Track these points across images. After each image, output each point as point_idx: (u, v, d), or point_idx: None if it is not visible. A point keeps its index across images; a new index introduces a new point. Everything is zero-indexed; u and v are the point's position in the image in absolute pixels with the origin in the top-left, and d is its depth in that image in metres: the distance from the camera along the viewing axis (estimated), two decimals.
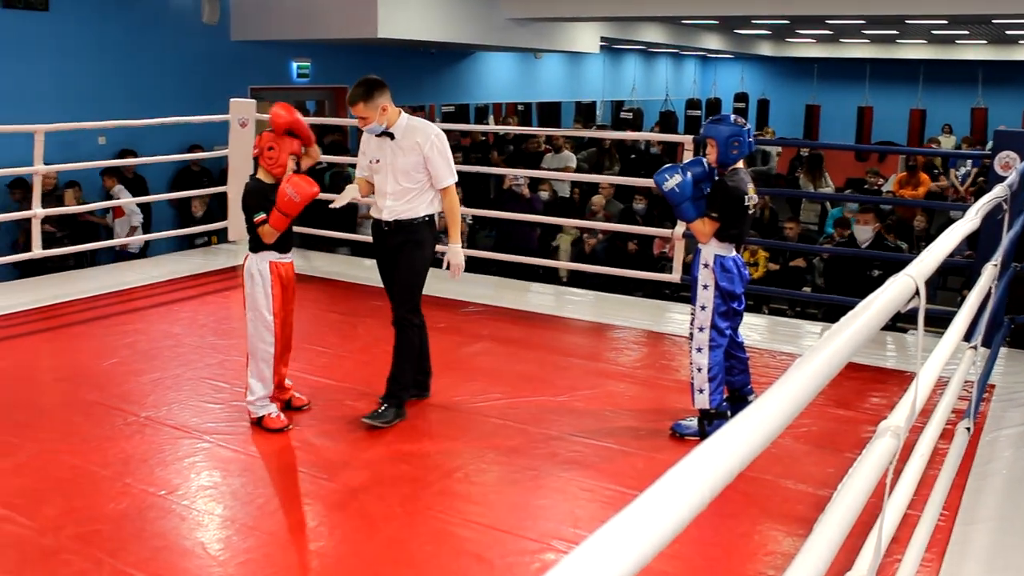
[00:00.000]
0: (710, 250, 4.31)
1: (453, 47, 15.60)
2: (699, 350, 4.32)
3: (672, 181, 4.26)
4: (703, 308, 4.32)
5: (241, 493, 3.81)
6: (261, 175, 4.42)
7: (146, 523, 3.54)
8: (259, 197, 4.36)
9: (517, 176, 9.56)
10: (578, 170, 12.17)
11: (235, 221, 8.14)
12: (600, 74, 21.51)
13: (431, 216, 4.56)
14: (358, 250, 9.17)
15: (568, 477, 4.00)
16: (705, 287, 4.31)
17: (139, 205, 9.36)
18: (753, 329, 6.46)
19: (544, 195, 10.73)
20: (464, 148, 12.61)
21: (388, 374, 4.59)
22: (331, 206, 4.60)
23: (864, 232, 7.48)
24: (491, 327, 6.25)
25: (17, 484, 3.81)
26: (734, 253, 4.34)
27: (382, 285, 4.76)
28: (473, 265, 9.77)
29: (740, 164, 4.32)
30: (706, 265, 4.31)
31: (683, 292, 9.89)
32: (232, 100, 8.20)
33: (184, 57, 11.23)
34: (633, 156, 13.18)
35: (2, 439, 4.24)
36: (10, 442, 4.20)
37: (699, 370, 4.32)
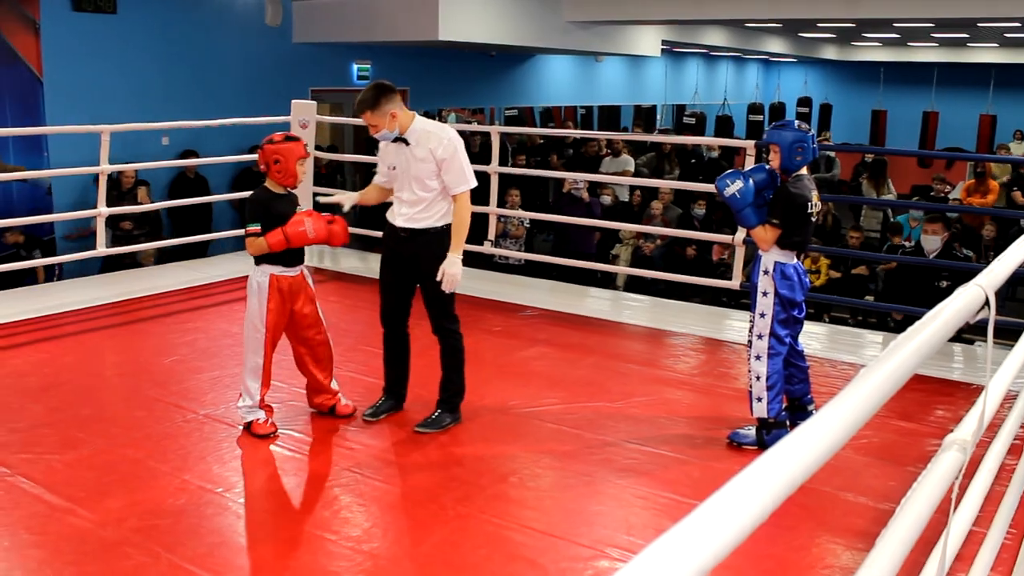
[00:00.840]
0: (771, 257, 4.27)
1: (513, 50, 15.64)
2: (758, 358, 4.28)
3: (733, 187, 4.22)
4: (762, 315, 4.27)
5: (296, 493, 3.85)
6: (269, 185, 4.37)
7: (203, 519, 3.59)
8: (261, 207, 4.30)
9: (576, 180, 9.54)
10: (637, 175, 12.13)
11: None
12: (661, 77, 21.41)
13: (449, 225, 4.40)
14: None
15: (623, 484, 3.98)
16: (765, 294, 4.26)
17: (200, 205, 9.52)
18: (813, 338, 6.38)
19: (606, 199, 10.71)
20: (525, 150, 12.64)
21: (440, 382, 4.60)
22: (328, 200, 4.82)
23: (932, 242, 7.34)
24: (547, 331, 6.25)
25: (80, 477, 3.90)
26: (795, 260, 4.29)
27: (392, 295, 4.61)
28: (531, 269, 9.82)
29: (804, 170, 4.28)
30: (766, 272, 4.27)
31: (742, 299, 9.82)
32: (294, 101, 8.30)
33: (246, 59, 11.40)
34: (693, 161, 13.10)
35: (67, 433, 4.33)
36: (75, 436, 4.29)
37: (757, 378, 4.28)
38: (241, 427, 4.41)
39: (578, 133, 10.41)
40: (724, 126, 19.08)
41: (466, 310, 6.60)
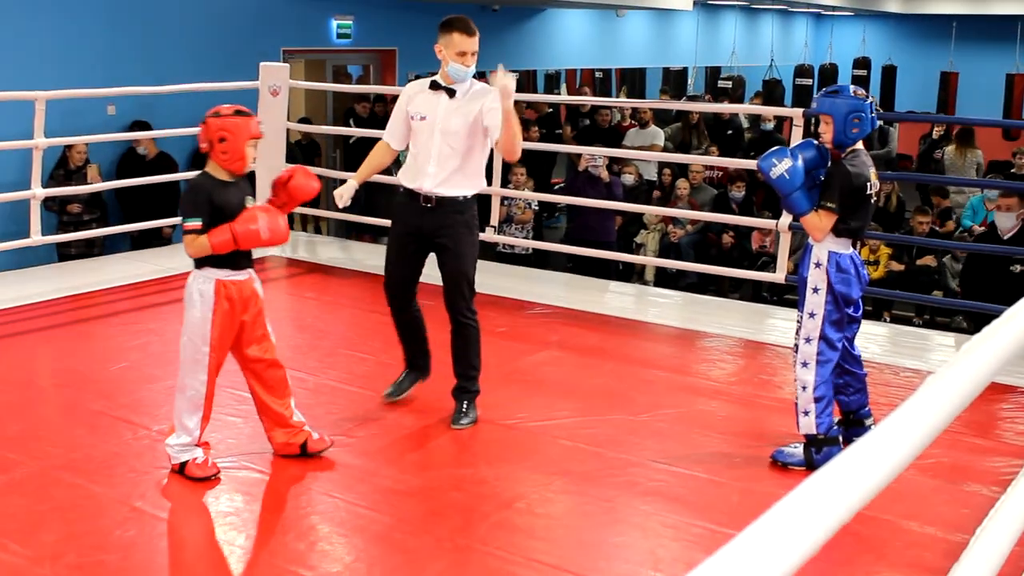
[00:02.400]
0: (824, 247, 4.26)
1: (519, 3, 15.62)
2: (805, 365, 4.27)
3: (781, 166, 4.21)
4: (812, 315, 4.26)
5: (267, 521, 3.86)
6: (211, 169, 4.15)
7: (156, 553, 3.60)
8: (200, 197, 4.05)
9: (594, 156, 9.54)
10: (666, 149, 12.11)
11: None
12: (693, 36, 21.37)
13: (475, 195, 4.69)
14: None
15: (649, 511, 3.98)
16: (816, 290, 4.25)
17: (154, 187, 9.51)
18: (871, 340, 6.37)
19: (628, 179, 10.69)
20: (528, 122, 12.62)
21: (456, 371, 4.80)
22: (340, 204, 4.87)
23: (1007, 220, 7.34)
24: (560, 332, 6.25)
25: (10, 506, 3.90)
26: (852, 250, 4.28)
27: (404, 274, 4.81)
28: (539, 259, 9.83)
29: (860, 145, 4.27)
30: (818, 265, 4.25)
31: (788, 295, 9.81)
32: (262, 64, 8.29)
33: (207, 13, 11.39)
34: (730, 132, 13.06)
35: None
36: (4, 457, 4.30)
37: (804, 388, 4.27)
38: (170, 469, 4.16)
39: (597, 100, 10.41)
40: (772, 92, 19.05)
41: None
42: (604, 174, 9.73)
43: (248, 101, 8.62)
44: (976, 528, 1.70)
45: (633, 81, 19.72)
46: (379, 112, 11.82)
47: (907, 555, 3.72)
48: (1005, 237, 7.65)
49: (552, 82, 17.87)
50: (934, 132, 13.98)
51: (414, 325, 4.95)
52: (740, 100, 18.01)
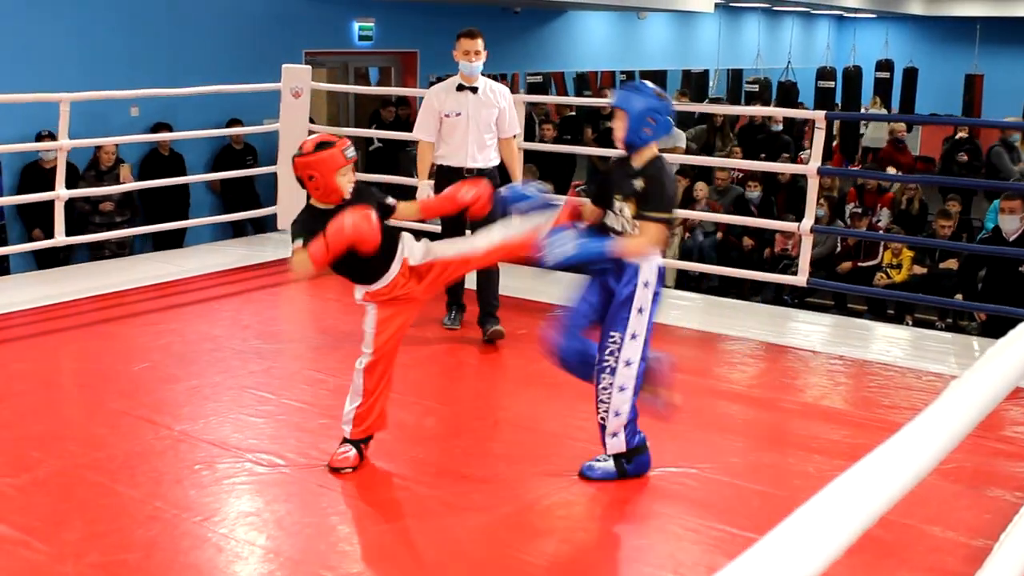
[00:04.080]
0: (652, 264, 4.04)
1: (541, 5, 15.61)
2: (622, 389, 4.05)
3: (570, 241, 3.96)
4: (634, 337, 4.03)
5: (287, 522, 3.86)
6: (315, 202, 4.13)
7: (178, 553, 3.61)
8: (307, 225, 4.05)
9: None
10: (689, 150, 12.09)
11: (285, 207, 8.27)
12: (715, 38, 21.32)
13: (497, 165, 6.02)
14: None
15: (669, 514, 3.97)
16: (640, 311, 4.03)
17: (175, 188, 9.56)
18: (894, 343, 6.35)
19: None
20: (552, 124, 12.61)
21: (482, 305, 6.04)
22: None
23: (1012, 222, 7.30)
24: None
25: (35, 504, 3.92)
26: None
27: (453, 232, 5.53)
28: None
29: (655, 149, 4.08)
30: (647, 284, 4.03)
31: (808, 297, 9.79)
32: (284, 66, 8.32)
33: (230, 15, 11.43)
34: (761, 136, 13.00)
35: (20, 452, 4.36)
36: (29, 456, 4.32)
37: (617, 414, 4.07)
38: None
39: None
40: (787, 95, 18.99)
41: None
42: None
43: (270, 103, 8.68)
44: (999, 533, 1.69)
45: (655, 83, 19.66)
46: (403, 116, 11.83)
47: (929, 560, 3.70)
48: (1010, 239, 7.63)
49: (582, 83, 17.85)
50: (957, 134, 13.92)
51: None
52: (767, 103, 17.95)
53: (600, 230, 4.12)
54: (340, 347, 5.95)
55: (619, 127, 4.04)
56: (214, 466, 4.27)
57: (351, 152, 4.02)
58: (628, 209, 4.02)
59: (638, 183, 4.01)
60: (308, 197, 4.12)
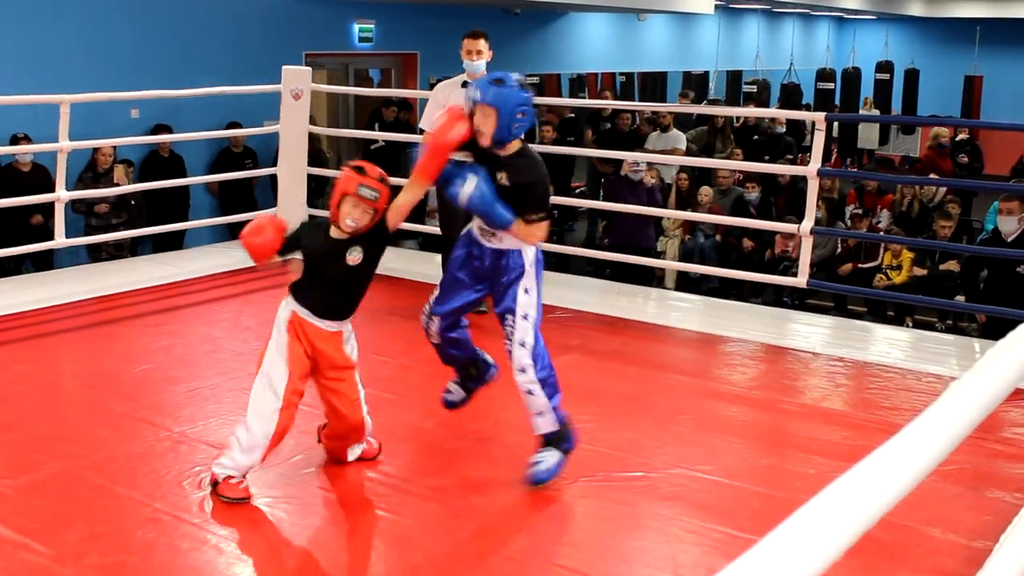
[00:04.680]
0: (531, 248, 4.11)
1: (541, 6, 15.60)
2: (523, 371, 4.05)
3: (469, 186, 3.94)
4: (525, 317, 4.06)
5: (287, 524, 3.86)
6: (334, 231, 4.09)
7: (177, 555, 3.61)
8: (299, 243, 4.21)
9: (637, 161, 9.56)
10: (690, 152, 12.10)
11: (285, 209, 8.27)
12: (714, 40, 21.33)
13: None
14: (427, 244, 9.25)
15: (669, 515, 3.97)
16: (527, 291, 4.07)
17: (175, 190, 9.56)
18: (894, 345, 6.36)
19: (650, 182, 10.73)
20: (552, 125, 12.61)
21: None
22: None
23: (1010, 223, 7.31)
24: (581, 336, 6.24)
25: (35, 506, 3.92)
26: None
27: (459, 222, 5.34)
28: (560, 263, 9.83)
29: (519, 143, 4.07)
30: (531, 265, 4.09)
31: (808, 299, 9.79)
32: (285, 68, 8.32)
33: (230, 17, 11.44)
34: (756, 137, 13.01)
35: (21, 454, 4.36)
36: (29, 457, 4.32)
37: (531, 393, 4.06)
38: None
39: (620, 104, 10.42)
40: (791, 96, 19.01)
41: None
42: (647, 179, 9.74)
43: (270, 104, 8.68)
44: (999, 535, 1.69)
45: (654, 85, 19.68)
46: (403, 118, 11.83)
47: (929, 562, 3.70)
48: (1008, 240, 7.64)
49: (576, 86, 17.85)
50: (957, 136, 13.94)
51: None
52: (765, 104, 17.96)
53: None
54: None
55: (487, 124, 3.93)
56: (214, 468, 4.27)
57: (368, 191, 3.88)
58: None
59: (502, 177, 4.00)
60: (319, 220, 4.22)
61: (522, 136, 4.06)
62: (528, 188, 4.00)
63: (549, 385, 4.09)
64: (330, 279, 4.03)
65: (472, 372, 4.53)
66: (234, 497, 3.93)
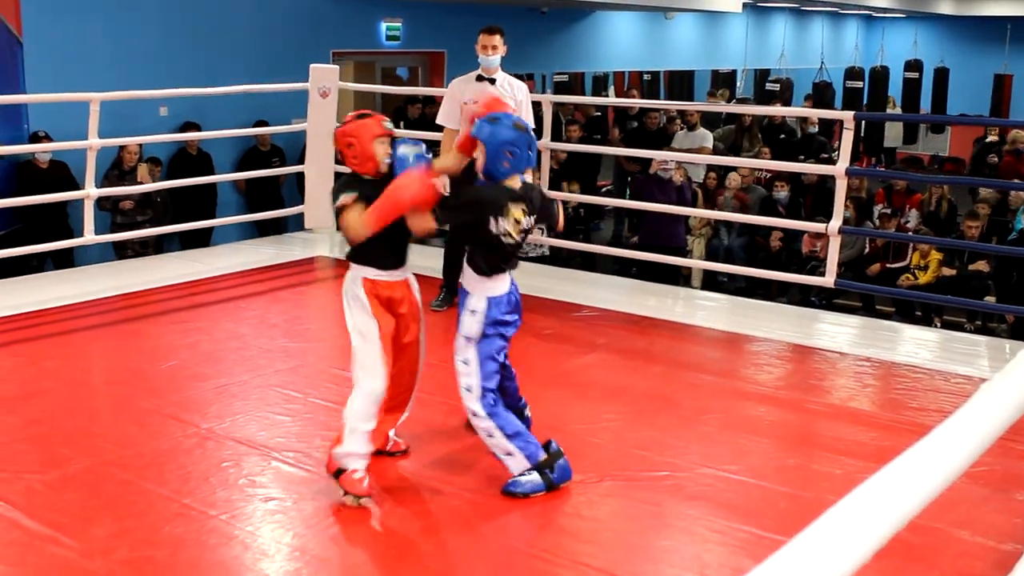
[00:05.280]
0: (482, 294, 4.07)
1: (568, 5, 15.59)
2: (475, 415, 4.07)
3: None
4: (466, 363, 4.09)
5: (313, 520, 3.88)
6: (356, 172, 4.14)
7: (205, 550, 3.63)
8: (352, 187, 4.04)
9: (667, 160, 9.55)
10: (716, 151, 12.06)
11: (312, 207, 8.30)
12: (742, 38, 21.26)
13: None
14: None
15: (695, 515, 3.96)
16: (467, 340, 4.07)
17: (202, 187, 9.61)
18: (922, 345, 6.32)
19: (680, 180, 10.72)
20: (578, 124, 12.59)
21: None
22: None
23: None
24: (607, 335, 6.23)
25: (63, 501, 3.95)
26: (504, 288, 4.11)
27: None
28: (586, 262, 9.82)
29: (516, 181, 4.05)
30: (472, 312, 4.07)
31: (836, 299, 9.74)
32: (312, 66, 8.34)
33: (257, 16, 11.48)
34: (782, 136, 12.95)
35: (48, 449, 4.40)
36: (58, 453, 4.35)
37: (490, 436, 4.05)
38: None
39: (646, 103, 10.40)
40: (822, 95, 18.92)
41: None
42: (677, 177, 9.72)
43: (298, 102, 8.71)
44: None
45: (681, 83, 19.63)
46: (429, 115, 11.84)
47: (957, 564, 3.67)
48: None
49: (600, 84, 17.82)
50: (988, 135, 13.82)
51: (462, 254, 5.90)
52: (788, 103, 17.87)
53: None
54: None
55: (479, 157, 4.05)
56: (241, 464, 4.29)
57: (389, 124, 4.11)
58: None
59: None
60: (350, 172, 4.14)
61: (517, 175, 4.05)
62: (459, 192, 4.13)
63: (510, 428, 4.05)
64: (389, 226, 3.99)
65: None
66: (357, 495, 3.93)
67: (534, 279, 7.32)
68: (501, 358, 4.14)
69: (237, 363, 5.57)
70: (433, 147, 5.81)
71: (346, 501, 3.94)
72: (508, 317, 4.09)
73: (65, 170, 8.94)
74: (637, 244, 10.04)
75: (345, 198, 3.98)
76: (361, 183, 4.04)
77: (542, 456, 4.07)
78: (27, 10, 9.45)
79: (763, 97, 19.43)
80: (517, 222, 4.00)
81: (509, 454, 4.04)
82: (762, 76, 21.52)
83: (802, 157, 11.94)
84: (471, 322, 4.05)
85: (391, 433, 4.40)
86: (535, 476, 4.06)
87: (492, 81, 6.37)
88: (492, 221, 3.96)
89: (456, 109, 6.41)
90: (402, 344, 4.22)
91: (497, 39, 6.33)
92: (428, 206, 4.00)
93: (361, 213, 3.93)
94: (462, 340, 4.07)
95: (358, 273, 4.11)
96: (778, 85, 19.20)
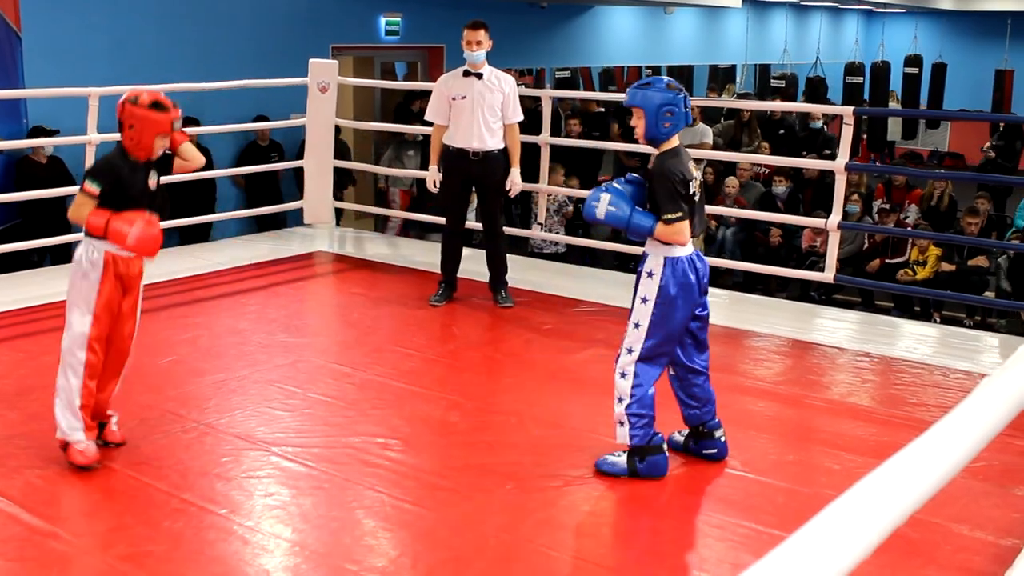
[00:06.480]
0: (658, 254, 4.10)
1: (567, 0, 15.57)
2: (623, 375, 4.13)
3: (603, 204, 4.07)
4: (637, 326, 4.10)
5: (312, 515, 3.88)
6: (126, 150, 4.21)
7: (204, 545, 3.63)
8: (109, 170, 4.14)
9: None
10: (716, 146, 12.05)
11: (311, 202, 8.30)
12: (742, 33, 21.24)
13: (504, 148, 6.50)
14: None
15: (694, 510, 3.96)
16: (644, 301, 4.09)
17: (200, 183, 9.59)
18: (921, 340, 6.33)
19: None
20: (580, 117, 12.57)
21: (495, 274, 6.60)
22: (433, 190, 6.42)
23: None
24: (607, 330, 6.22)
25: (62, 496, 3.96)
26: (690, 251, 4.13)
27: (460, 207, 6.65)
28: (589, 258, 9.82)
29: (676, 142, 4.16)
30: (651, 274, 4.09)
31: (836, 294, 9.74)
32: (311, 61, 8.34)
33: (256, 10, 11.47)
34: (782, 132, 12.94)
35: (48, 443, 4.38)
36: (57, 448, 4.34)
37: (620, 400, 4.12)
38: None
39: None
40: (816, 90, 18.91)
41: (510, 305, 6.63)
42: None
43: (297, 97, 8.71)
44: None
45: (681, 78, 19.62)
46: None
47: (956, 559, 3.67)
48: None
49: (607, 79, 17.80)
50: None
51: (459, 248, 6.69)
52: (793, 98, 17.86)
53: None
54: (366, 341, 5.98)
55: (638, 124, 4.12)
56: (240, 459, 4.29)
57: (179, 124, 4.24)
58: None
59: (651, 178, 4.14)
60: (120, 147, 4.23)
61: (677, 135, 4.16)
62: (654, 190, 4.08)
63: (635, 407, 4.11)
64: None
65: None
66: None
67: (531, 274, 7.32)
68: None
69: (236, 358, 5.57)
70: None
71: None
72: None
73: (62, 166, 8.91)
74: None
75: (91, 186, 4.08)
76: (126, 167, 4.16)
77: (652, 442, 4.14)
78: (26, 4, 9.43)
79: (769, 93, 19.42)
80: (696, 179, 4.14)
81: (620, 423, 4.15)
82: (762, 71, 21.51)
83: (805, 152, 11.93)
84: (649, 283, 4.10)
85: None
86: (622, 460, 4.17)
87: (479, 76, 6.43)
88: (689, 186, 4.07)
89: (444, 105, 6.49)
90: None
91: (482, 34, 6.39)
92: (149, 254, 4.22)
93: (85, 206, 4.07)
94: (637, 301, 4.13)
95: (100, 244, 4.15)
96: (783, 81, 19.19)
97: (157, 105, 4.15)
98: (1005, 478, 4.28)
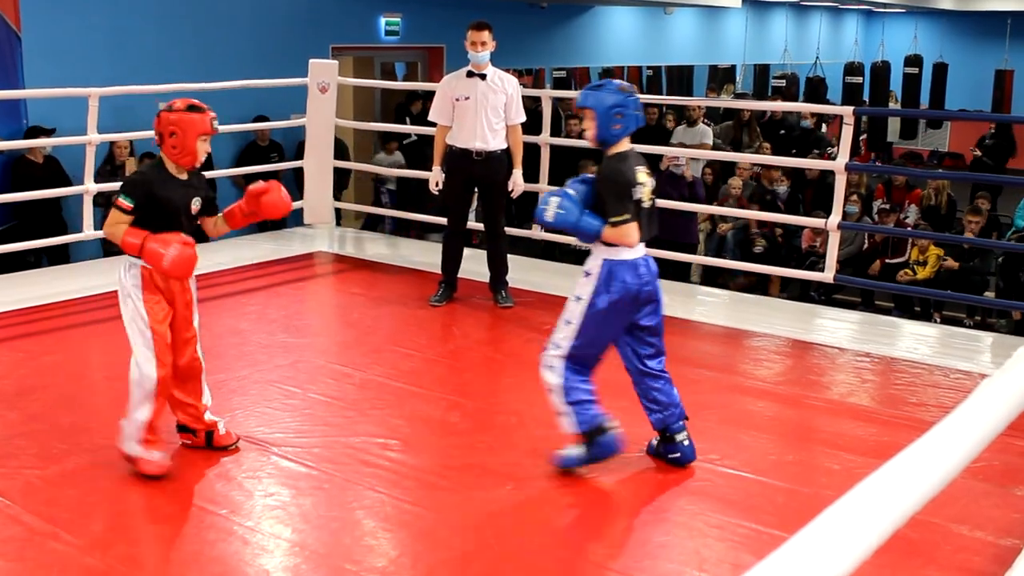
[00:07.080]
0: (598, 256, 4.11)
1: (567, 1, 15.57)
2: (550, 368, 4.17)
3: (552, 207, 4.08)
4: (568, 323, 4.15)
5: (312, 515, 3.88)
6: (167, 163, 4.20)
7: (204, 545, 3.63)
8: (140, 183, 4.12)
9: (678, 156, 9.56)
10: (716, 147, 12.04)
11: (311, 202, 8.30)
12: (741, 33, 21.24)
13: (506, 149, 6.53)
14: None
15: (694, 511, 3.96)
16: (578, 299, 4.12)
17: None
18: (921, 340, 6.33)
19: (691, 176, 10.70)
20: (578, 119, 12.56)
21: (495, 274, 6.62)
22: (433, 189, 6.62)
23: None
24: None
25: (62, 496, 3.95)
26: (635, 255, 4.12)
27: (463, 207, 6.67)
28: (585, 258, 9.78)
29: (627, 145, 4.14)
30: (587, 274, 4.12)
31: (836, 294, 9.74)
32: (311, 61, 8.33)
33: (256, 11, 11.46)
34: (782, 132, 12.93)
35: (47, 445, 4.39)
36: (57, 447, 4.35)
37: (551, 392, 4.16)
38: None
39: (646, 98, 10.35)
40: (816, 90, 18.90)
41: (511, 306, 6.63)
42: (688, 173, 9.70)
43: (297, 97, 8.71)
44: None
45: (681, 78, 19.60)
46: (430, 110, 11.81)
47: (956, 559, 3.67)
48: None
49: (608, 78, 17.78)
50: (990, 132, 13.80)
51: (459, 248, 6.72)
52: (794, 98, 17.85)
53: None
54: (366, 341, 5.98)
55: (589, 127, 4.12)
56: (240, 459, 4.29)
57: (217, 124, 4.23)
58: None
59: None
60: (158, 157, 4.23)
61: (627, 137, 4.14)
62: (600, 192, 4.09)
63: (573, 395, 4.12)
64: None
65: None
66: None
67: (534, 275, 7.32)
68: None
69: (236, 358, 5.57)
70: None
71: None
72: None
73: (58, 166, 8.91)
74: (649, 241, 10.01)
75: (124, 201, 4.06)
76: (165, 183, 4.13)
77: (597, 423, 4.15)
78: (26, 4, 9.43)
79: (770, 93, 19.41)
80: (643, 185, 4.11)
81: (559, 414, 4.18)
82: (762, 71, 21.50)
83: (795, 151, 11.93)
84: (585, 283, 4.13)
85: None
86: (574, 449, 4.17)
87: (483, 77, 6.45)
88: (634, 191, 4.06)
89: (448, 105, 6.52)
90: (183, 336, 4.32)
91: (486, 35, 6.41)
92: (184, 278, 4.22)
93: (121, 224, 4.06)
94: (571, 298, 4.18)
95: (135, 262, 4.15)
96: (784, 81, 19.17)
97: (193, 107, 4.18)
98: (1005, 478, 4.28)
